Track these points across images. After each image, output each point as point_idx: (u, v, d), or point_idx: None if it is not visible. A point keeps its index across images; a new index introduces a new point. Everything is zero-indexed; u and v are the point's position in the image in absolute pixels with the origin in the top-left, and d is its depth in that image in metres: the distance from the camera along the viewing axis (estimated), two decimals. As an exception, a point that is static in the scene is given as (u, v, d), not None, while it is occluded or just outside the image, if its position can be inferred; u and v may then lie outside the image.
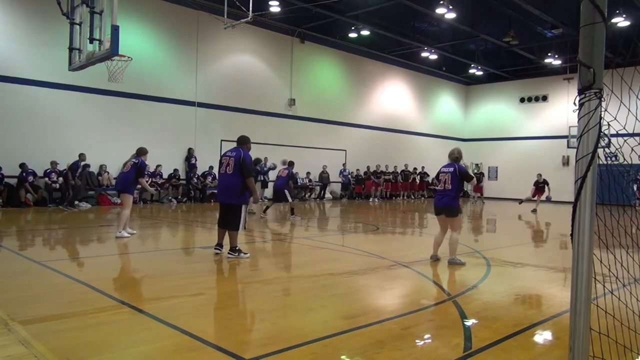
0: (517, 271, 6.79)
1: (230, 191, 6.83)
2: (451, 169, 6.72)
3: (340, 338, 3.62)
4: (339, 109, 24.16)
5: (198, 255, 7.37)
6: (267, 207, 14.00)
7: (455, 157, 6.89)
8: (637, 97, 3.04)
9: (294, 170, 15.73)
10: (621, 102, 2.85)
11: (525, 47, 23.26)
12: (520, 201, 19.43)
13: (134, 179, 8.70)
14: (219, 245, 7.05)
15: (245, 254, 6.89)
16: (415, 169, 26.11)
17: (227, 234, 6.98)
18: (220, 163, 7.01)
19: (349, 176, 23.76)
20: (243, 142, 7.08)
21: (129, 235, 8.79)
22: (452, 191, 6.64)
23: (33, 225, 11.06)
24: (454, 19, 19.14)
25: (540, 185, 19.33)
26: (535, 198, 19.35)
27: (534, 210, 18.73)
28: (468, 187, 19.73)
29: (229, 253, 6.87)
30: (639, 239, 3.45)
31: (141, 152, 9.00)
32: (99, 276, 5.57)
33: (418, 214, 17.32)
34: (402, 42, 23.29)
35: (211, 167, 18.60)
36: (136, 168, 8.66)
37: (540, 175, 19.87)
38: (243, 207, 6.85)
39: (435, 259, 6.79)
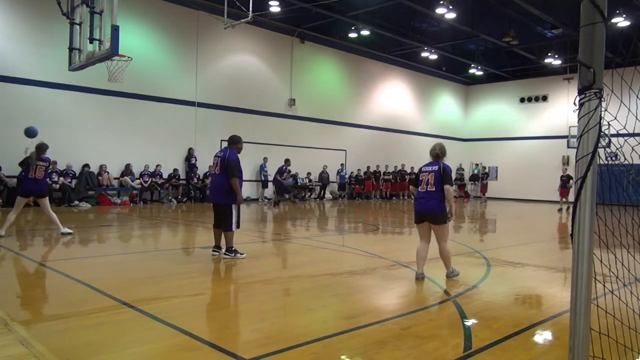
0: (517, 271, 6.79)
1: (218, 191, 6.86)
2: (435, 168, 5.71)
3: (340, 338, 3.62)
4: (339, 109, 24.15)
5: (198, 255, 7.37)
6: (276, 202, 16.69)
7: (436, 154, 5.85)
8: (637, 96, 3.04)
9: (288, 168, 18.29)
10: (624, 101, 2.85)
11: (525, 47, 23.26)
12: (560, 209, 18.80)
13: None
14: (217, 247, 7.04)
15: (241, 254, 6.87)
16: (412, 168, 26.12)
17: (222, 234, 6.99)
18: (212, 164, 7.09)
19: (345, 176, 23.74)
20: (233, 142, 7.06)
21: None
22: (437, 193, 5.61)
23: (33, 225, 11.06)
24: (454, 19, 19.14)
25: (563, 179, 18.67)
26: (564, 199, 18.70)
27: (560, 210, 18.39)
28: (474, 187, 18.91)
29: (224, 253, 6.86)
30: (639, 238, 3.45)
31: (43, 148, 8.96)
32: (99, 276, 5.57)
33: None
34: (402, 42, 23.29)
35: (210, 167, 18.61)
36: (47, 170, 9.05)
37: (565, 168, 19.42)
38: (233, 206, 6.83)
39: (422, 277, 5.66)
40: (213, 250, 7.02)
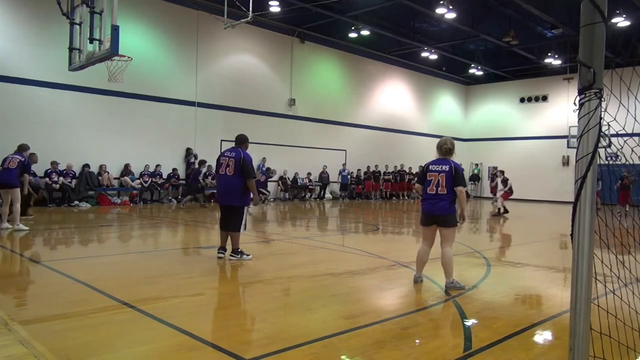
0: (517, 271, 6.79)
1: (231, 193, 6.67)
2: (446, 168, 5.29)
3: (340, 338, 3.62)
4: (339, 109, 24.15)
5: (198, 256, 7.37)
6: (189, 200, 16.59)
7: (448, 150, 5.43)
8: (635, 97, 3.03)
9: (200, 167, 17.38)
10: (623, 101, 2.85)
11: (525, 47, 23.25)
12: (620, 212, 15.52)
13: (20, 175, 9.50)
14: (222, 248, 6.91)
15: (247, 255, 6.81)
16: (410, 168, 26.14)
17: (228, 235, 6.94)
18: (219, 163, 6.83)
19: (348, 176, 23.76)
20: (242, 141, 6.92)
21: (27, 228, 9.42)
22: (449, 195, 5.24)
23: (32, 225, 11.05)
24: (454, 19, 19.13)
25: (624, 184, 16.11)
26: (623, 201, 16.04)
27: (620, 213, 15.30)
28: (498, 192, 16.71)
29: (231, 255, 6.79)
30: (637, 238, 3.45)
31: (24, 148, 9.82)
32: (99, 276, 5.57)
33: (416, 214, 17.32)
34: (402, 42, 23.28)
35: (210, 167, 18.57)
36: (22, 165, 9.51)
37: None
38: (245, 208, 6.77)
39: (420, 281, 5.49)
40: (219, 252, 6.90)
